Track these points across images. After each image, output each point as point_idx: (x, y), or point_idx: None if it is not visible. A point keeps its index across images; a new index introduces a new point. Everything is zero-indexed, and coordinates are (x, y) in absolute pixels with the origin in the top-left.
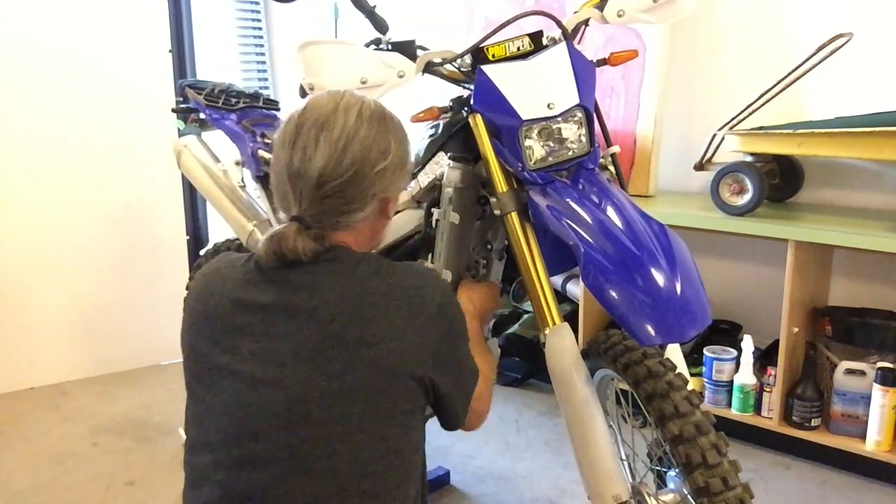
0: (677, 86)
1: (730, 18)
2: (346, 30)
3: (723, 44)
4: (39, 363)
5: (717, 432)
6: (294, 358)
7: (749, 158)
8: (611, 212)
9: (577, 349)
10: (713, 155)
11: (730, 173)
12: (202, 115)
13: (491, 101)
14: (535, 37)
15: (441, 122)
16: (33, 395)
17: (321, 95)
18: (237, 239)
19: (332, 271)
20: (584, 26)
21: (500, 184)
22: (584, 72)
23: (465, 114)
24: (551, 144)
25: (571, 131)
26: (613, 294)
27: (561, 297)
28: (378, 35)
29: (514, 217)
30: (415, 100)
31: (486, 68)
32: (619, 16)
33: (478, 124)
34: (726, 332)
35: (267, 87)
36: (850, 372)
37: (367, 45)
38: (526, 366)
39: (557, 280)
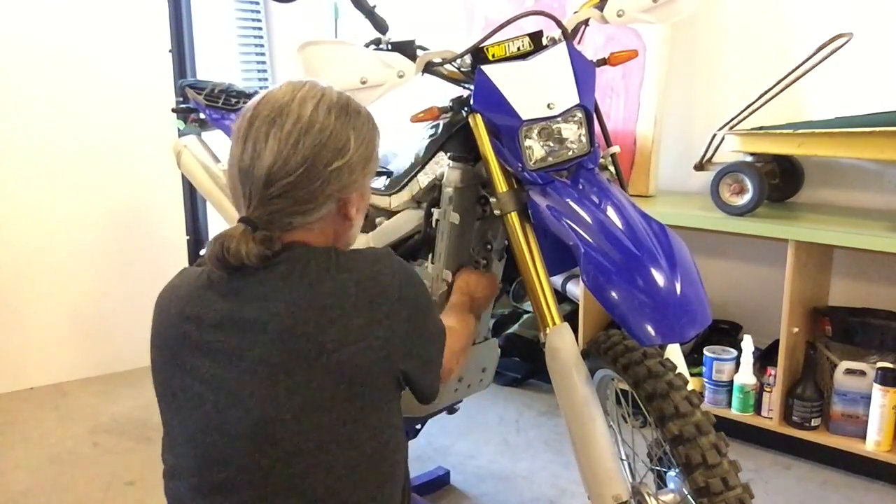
0: (677, 86)
1: (730, 18)
2: (346, 30)
3: (723, 44)
4: (39, 363)
5: (717, 432)
6: (253, 376)
7: (749, 158)
8: (611, 212)
9: (577, 349)
10: (713, 155)
11: (730, 173)
12: (202, 115)
13: (491, 101)
14: (535, 37)
15: (441, 122)
16: (33, 395)
17: (280, 86)
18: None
19: (282, 277)
20: (584, 26)
21: (500, 184)
22: (584, 72)
23: (465, 114)
24: (551, 144)
25: (571, 131)
26: (613, 294)
27: (561, 297)
28: (378, 35)
29: (514, 217)
30: (415, 100)
31: (485, 68)
32: (619, 16)
33: (478, 124)
34: (726, 332)
35: (267, 87)
36: (850, 372)
37: (367, 45)
38: (526, 366)
39: (557, 280)
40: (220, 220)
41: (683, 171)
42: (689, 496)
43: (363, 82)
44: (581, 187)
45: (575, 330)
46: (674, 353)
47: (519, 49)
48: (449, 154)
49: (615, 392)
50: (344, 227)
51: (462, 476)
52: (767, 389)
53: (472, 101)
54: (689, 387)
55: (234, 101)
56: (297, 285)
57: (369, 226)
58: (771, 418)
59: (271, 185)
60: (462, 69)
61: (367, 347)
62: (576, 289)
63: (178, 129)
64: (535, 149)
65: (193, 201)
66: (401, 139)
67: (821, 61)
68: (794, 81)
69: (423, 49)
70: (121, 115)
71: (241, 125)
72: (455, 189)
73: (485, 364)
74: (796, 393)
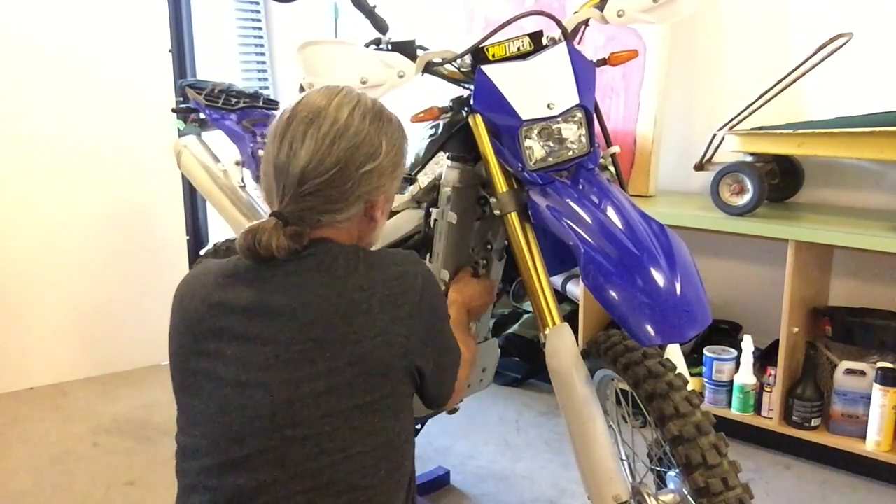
0: (677, 86)
1: (730, 18)
2: (346, 30)
3: (723, 44)
4: (39, 363)
5: (717, 433)
6: (276, 360)
7: (749, 158)
8: (611, 212)
9: (577, 349)
10: (713, 155)
11: (730, 173)
12: (202, 115)
13: (491, 101)
14: (535, 37)
15: (441, 122)
16: (33, 395)
17: (318, 90)
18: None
19: (311, 270)
20: (584, 26)
21: (500, 184)
22: (584, 72)
23: (465, 114)
24: (551, 144)
25: (571, 131)
26: (613, 294)
27: (561, 297)
28: (378, 35)
29: (514, 217)
30: (415, 100)
31: (486, 68)
32: (619, 16)
33: (478, 124)
34: (726, 332)
35: (267, 87)
36: (850, 372)
37: (367, 45)
38: (526, 366)
39: (557, 280)
40: (221, 219)
41: (683, 171)
42: (689, 496)
43: (363, 82)
44: (581, 187)
45: (575, 330)
46: (674, 353)
47: (519, 49)
48: (449, 154)
49: (615, 392)
50: (368, 228)
51: (462, 476)
52: (767, 389)
53: (472, 101)
54: (689, 387)
55: (234, 101)
56: (327, 277)
57: None
58: (771, 418)
59: (305, 183)
60: (462, 69)
61: (388, 342)
62: (576, 289)
63: (178, 129)
64: (535, 149)
65: (193, 201)
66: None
67: (821, 61)
68: (794, 81)
69: (424, 49)
70: (121, 115)
71: (279, 125)
72: (453, 189)
73: (485, 364)
74: (796, 393)
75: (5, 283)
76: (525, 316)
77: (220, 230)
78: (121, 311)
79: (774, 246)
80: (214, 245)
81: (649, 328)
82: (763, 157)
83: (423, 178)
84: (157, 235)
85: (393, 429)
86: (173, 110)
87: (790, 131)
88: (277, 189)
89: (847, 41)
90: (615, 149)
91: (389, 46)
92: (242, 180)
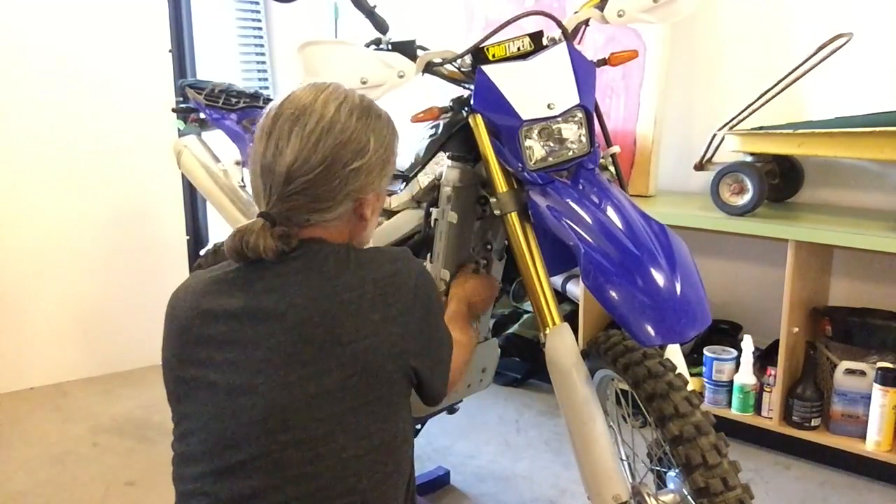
0: (677, 86)
1: (730, 18)
2: (346, 30)
3: (723, 44)
4: (39, 363)
5: (717, 433)
6: (267, 364)
7: (749, 158)
8: (611, 212)
9: (577, 349)
10: (713, 155)
11: (730, 173)
12: (202, 115)
13: (491, 101)
14: (536, 37)
15: (441, 122)
16: (33, 395)
17: (305, 87)
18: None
19: (300, 270)
20: (584, 26)
21: (500, 184)
22: (584, 72)
23: (465, 114)
24: (551, 144)
25: (571, 131)
26: (613, 294)
27: (561, 297)
28: (378, 35)
29: (514, 217)
30: (415, 100)
31: (486, 68)
32: (619, 16)
33: (478, 124)
34: (726, 332)
35: (267, 87)
36: (850, 372)
37: (367, 45)
38: (526, 366)
39: (557, 280)
40: (221, 219)
41: (683, 171)
42: (688, 496)
43: (363, 82)
44: (581, 187)
45: (575, 330)
46: (674, 353)
47: (519, 49)
48: (449, 154)
49: (615, 392)
50: (359, 227)
51: (462, 476)
52: (767, 389)
53: (472, 101)
54: (689, 387)
55: (234, 101)
56: (316, 278)
57: None
58: (771, 418)
59: (291, 182)
60: (462, 69)
61: (381, 342)
62: (576, 289)
63: (178, 129)
64: (536, 149)
65: (193, 201)
66: (401, 139)
67: (821, 61)
68: (794, 81)
69: (424, 49)
70: (121, 116)
71: (265, 123)
72: (453, 188)
73: (485, 364)
74: (796, 393)
75: (5, 283)
76: (525, 316)
77: (220, 230)
78: (121, 311)
79: (774, 246)
80: (214, 245)
81: (649, 328)
82: (763, 157)
83: (423, 178)
84: (157, 235)
85: (389, 431)
86: (173, 110)
87: (790, 131)
88: (264, 189)
89: (847, 41)
90: (615, 149)
91: (389, 46)
92: (242, 180)
